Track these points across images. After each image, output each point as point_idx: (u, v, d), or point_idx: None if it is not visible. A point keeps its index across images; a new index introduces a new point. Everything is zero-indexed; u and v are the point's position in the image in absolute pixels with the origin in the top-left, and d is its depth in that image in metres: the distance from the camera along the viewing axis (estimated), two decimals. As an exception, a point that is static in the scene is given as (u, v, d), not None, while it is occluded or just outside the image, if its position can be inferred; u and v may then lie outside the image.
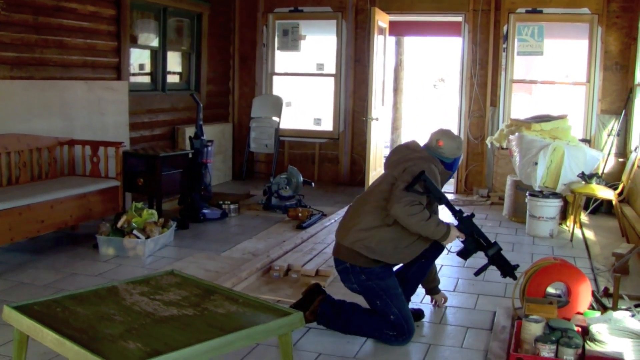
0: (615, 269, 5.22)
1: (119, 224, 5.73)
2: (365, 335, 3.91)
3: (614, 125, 8.22)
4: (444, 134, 4.13)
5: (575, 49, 8.78)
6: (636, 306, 4.31)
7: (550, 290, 4.28)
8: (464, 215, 3.95)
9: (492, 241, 3.99)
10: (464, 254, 4.00)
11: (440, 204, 3.95)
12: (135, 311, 2.83)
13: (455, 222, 3.97)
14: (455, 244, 3.98)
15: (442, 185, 4.03)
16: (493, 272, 5.27)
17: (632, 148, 7.55)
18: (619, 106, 8.28)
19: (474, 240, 3.94)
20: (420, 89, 21.77)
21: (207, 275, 4.95)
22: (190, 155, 6.92)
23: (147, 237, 5.67)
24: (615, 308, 4.21)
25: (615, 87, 8.37)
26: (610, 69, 8.38)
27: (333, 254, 4.08)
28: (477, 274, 4.09)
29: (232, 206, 7.27)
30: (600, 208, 7.79)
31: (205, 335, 2.55)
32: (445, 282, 5.05)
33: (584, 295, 4.14)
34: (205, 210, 6.95)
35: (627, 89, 8.21)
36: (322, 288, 4.13)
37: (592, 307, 4.22)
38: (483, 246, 3.95)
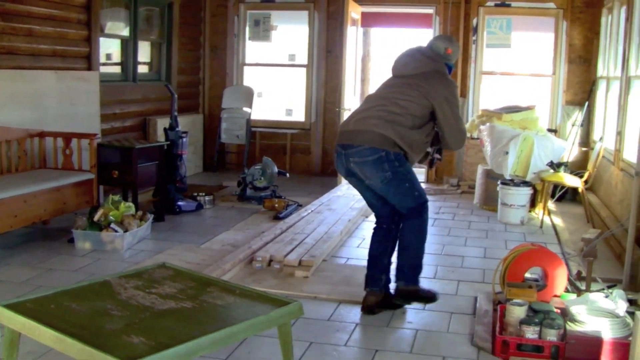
0: (585, 254, 5.40)
1: (96, 218, 5.67)
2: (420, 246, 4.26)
3: (578, 116, 8.46)
4: (447, 40, 4.46)
5: (541, 42, 8.97)
6: (609, 287, 4.50)
7: (527, 275, 4.41)
8: None
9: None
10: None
11: None
12: (133, 305, 2.81)
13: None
14: None
15: None
16: (472, 259, 5.47)
17: (597, 138, 7.77)
18: (583, 97, 8.52)
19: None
20: (385, 79, 21.94)
21: (190, 268, 4.95)
22: (165, 147, 6.90)
23: (125, 230, 5.65)
24: (588, 290, 4.38)
25: (579, 80, 8.62)
26: (574, 61, 8.63)
27: (358, 142, 4.10)
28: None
29: (206, 198, 7.28)
30: (565, 195, 8.01)
31: (208, 327, 2.55)
32: (425, 270, 5.12)
33: (561, 279, 4.29)
34: (180, 202, 6.95)
35: (590, 82, 8.46)
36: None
37: (567, 290, 4.38)
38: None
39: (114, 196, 5.99)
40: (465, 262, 5.41)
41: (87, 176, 6.19)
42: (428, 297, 4.33)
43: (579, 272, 4.79)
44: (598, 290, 4.34)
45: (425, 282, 4.89)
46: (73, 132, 6.43)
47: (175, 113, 7.05)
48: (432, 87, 4.13)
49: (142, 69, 8.78)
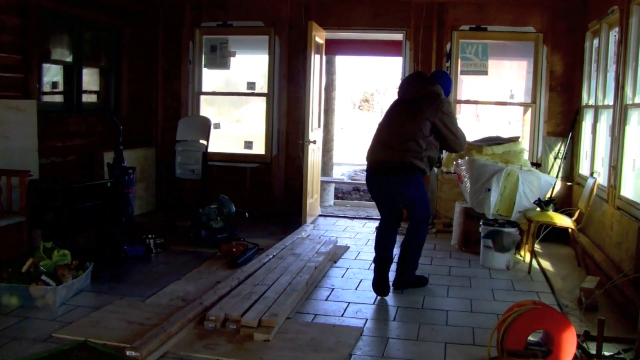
0: (586, 307, 4.79)
1: (24, 268, 4.91)
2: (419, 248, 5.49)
3: (561, 148, 7.88)
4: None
5: (520, 69, 8.43)
6: (625, 351, 3.87)
7: (529, 338, 3.75)
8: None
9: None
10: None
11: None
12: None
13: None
14: None
15: None
16: (457, 314, 4.79)
17: (585, 172, 7.20)
18: (565, 128, 7.95)
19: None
20: (349, 108, 21.53)
21: (130, 329, 4.23)
22: (109, 185, 6.13)
23: (59, 282, 4.87)
24: (599, 355, 3.73)
25: (561, 109, 8.03)
26: (555, 89, 8.04)
27: (390, 171, 5.18)
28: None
29: (156, 241, 6.49)
30: (549, 234, 7.38)
31: None
32: (405, 329, 4.49)
33: (570, 344, 3.65)
34: (126, 247, 6.17)
35: (572, 111, 7.89)
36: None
37: (575, 356, 3.73)
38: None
39: (46, 243, 5.22)
40: (450, 319, 4.72)
41: (16, 219, 5.54)
42: (421, 283, 5.49)
43: (586, 332, 4.11)
44: (609, 355, 3.72)
45: (406, 343, 4.23)
46: (2, 169, 5.77)
47: (120, 147, 6.30)
48: (428, 109, 5.15)
49: (90, 98, 8.02)
